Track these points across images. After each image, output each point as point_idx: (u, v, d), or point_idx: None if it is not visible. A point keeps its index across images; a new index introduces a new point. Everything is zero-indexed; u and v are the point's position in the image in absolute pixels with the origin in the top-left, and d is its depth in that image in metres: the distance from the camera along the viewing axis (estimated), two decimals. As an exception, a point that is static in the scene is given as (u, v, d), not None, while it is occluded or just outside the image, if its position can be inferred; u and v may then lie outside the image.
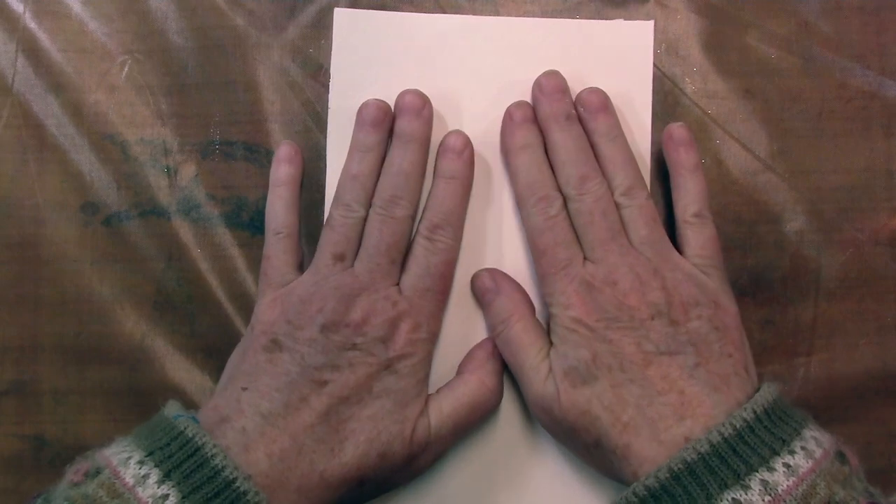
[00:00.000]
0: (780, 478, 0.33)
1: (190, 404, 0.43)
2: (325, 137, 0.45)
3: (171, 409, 0.38)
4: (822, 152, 0.45)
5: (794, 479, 0.33)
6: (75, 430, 0.45)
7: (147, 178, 0.45)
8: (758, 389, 0.37)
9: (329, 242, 0.41)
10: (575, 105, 0.43)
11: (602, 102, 0.42)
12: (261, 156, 0.45)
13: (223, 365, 0.42)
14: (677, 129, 0.43)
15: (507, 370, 0.43)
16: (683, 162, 0.42)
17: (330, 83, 0.45)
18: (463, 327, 0.44)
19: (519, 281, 0.43)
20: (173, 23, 0.46)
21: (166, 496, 0.33)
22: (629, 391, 0.37)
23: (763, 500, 0.32)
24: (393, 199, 0.41)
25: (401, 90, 0.43)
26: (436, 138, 0.44)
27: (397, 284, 0.41)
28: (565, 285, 0.40)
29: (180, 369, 0.45)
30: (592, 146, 0.42)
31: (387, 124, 0.43)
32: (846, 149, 0.45)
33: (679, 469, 0.34)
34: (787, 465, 0.33)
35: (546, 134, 0.42)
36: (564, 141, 0.42)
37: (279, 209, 0.42)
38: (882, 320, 0.45)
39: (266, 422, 0.37)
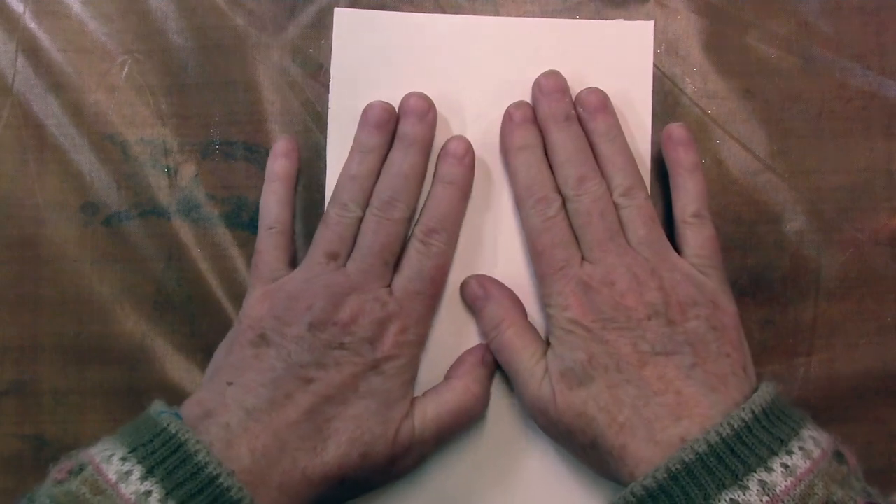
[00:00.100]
0: (778, 478, 0.33)
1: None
2: (325, 137, 0.45)
3: (156, 407, 0.37)
4: (822, 152, 0.45)
5: (792, 479, 0.33)
6: (75, 430, 0.45)
7: (147, 178, 0.45)
8: (756, 389, 0.37)
9: (323, 240, 0.41)
10: (574, 105, 0.43)
11: (601, 102, 0.42)
12: (261, 156, 0.45)
13: (223, 365, 0.42)
14: (676, 129, 0.43)
15: (502, 374, 0.43)
16: (682, 161, 0.42)
17: (330, 83, 0.45)
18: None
19: (514, 286, 0.43)
20: (173, 23, 0.46)
21: (149, 492, 0.33)
22: (625, 392, 0.37)
23: (761, 501, 0.32)
24: (391, 201, 0.41)
25: (401, 90, 0.43)
26: (436, 139, 0.44)
27: (389, 286, 0.41)
28: (563, 286, 0.40)
29: (180, 369, 0.45)
30: (592, 146, 0.42)
31: (390, 126, 0.43)
32: (846, 149, 0.45)
33: (677, 469, 0.34)
34: (785, 466, 0.33)
35: (545, 134, 0.42)
36: (563, 141, 0.42)
37: (273, 204, 0.43)
38: (882, 320, 0.45)
39: (250, 417, 0.37)
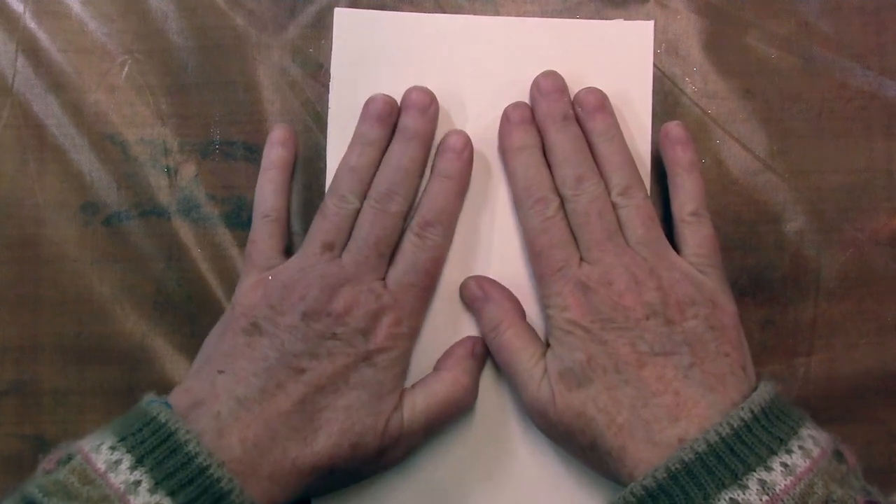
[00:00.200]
0: (777, 477, 0.33)
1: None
2: (325, 137, 0.45)
3: (147, 398, 0.37)
4: (822, 152, 0.45)
5: (791, 478, 0.33)
6: (75, 430, 0.44)
7: (147, 178, 0.45)
8: (755, 389, 0.37)
9: (320, 231, 0.41)
10: (573, 105, 0.43)
11: (600, 102, 0.42)
12: (260, 156, 0.45)
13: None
14: (674, 128, 0.43)
15: (496, 374, 0.43)
16: (680, 160, 0.42)
17: (330, 83, 0.45)
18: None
19: (513, 286, 0.43)
20: (173, 23, 0.46)
21: (139, 482, 0.33)
22: (624, 393, 0.37)
23: (761, 500, 0.32)
24: (388, 194, 0.41)
25: (401, 90, 0.43)
26: (435, 137, 0.44)
27: (383, 278, 0.41)
28: (561, 287, 0.40)
29: (180, 369, 0.45)
30: (590, 146, 0.42)
31: (391, 120, 0.43)
32: (846, 149, 0.45)
33: (676, 469, 0.34)
34: (784, 465, 0.33)
35: (544, 134, 0.42)
36: (561, 141, 0.42)
37: (268, 192, 0.43)
38: (882, 320, 0.45)
39: (241, 407, 0.37)
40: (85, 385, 0.45)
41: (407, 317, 0.41)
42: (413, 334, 0.42)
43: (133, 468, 0.33)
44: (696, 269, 0.40)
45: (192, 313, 0.45)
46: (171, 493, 0.33)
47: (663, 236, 0.41)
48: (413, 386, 0.41)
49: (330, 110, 0.45)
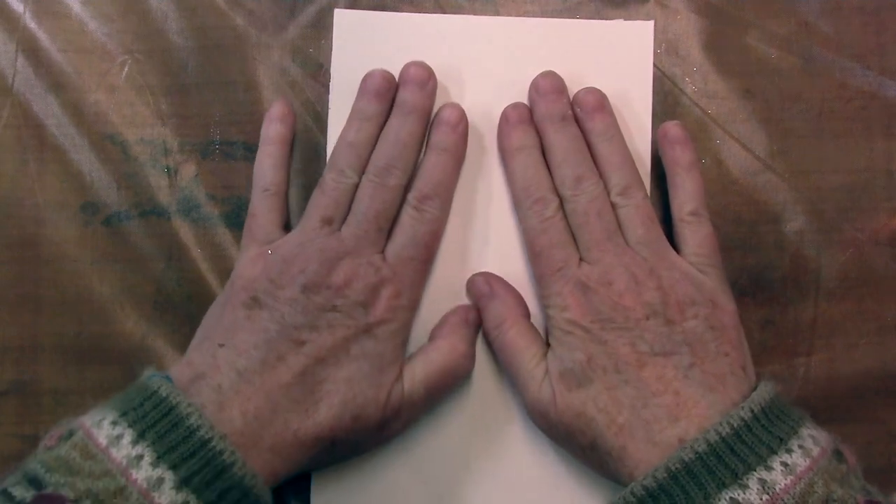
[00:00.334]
0: (777, 476, 0.33)
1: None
2: (325, 137, 0.45)
3: (147, 372, 0.37)
4: (822, 152, 0.45)
5: (791, 477, 0.33)
6: (75, 429, 0.45)
7: (147, 178, 0.45)
8: (755, 389, 0.37)
9: (319, 205, 0.41)
10: (572, 105, 0.43)
11: (598, 102, 0.42)
12: (261, 156, 0.45)
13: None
14: (672, 127, 0.42)
15: (496, 372, 0.43)
16: (679, 160, 0.42)
17: (330, 83, 0.45)
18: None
19: (515, 285, 0.43)
20: (173, 23, 0.46)
21: (140, 456, 0.33)
22: (624, 393, 0.37)
23: (761, 499, 0.32)
24: (387, 168, 0.41)
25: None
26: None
27: (382, 252, 0.41)
28: (561, 287, 0.40)
29: (180, 369, 0.45)
30: (589, 146, 0.42)
31: (389, 95, 0.43)
32: (846, 149, 0.45)
33: (677, 469, 0.34)
34: (784, 464, 0.33)
35: (542, 135, 0.42)
36: (560, 142, 0.42)
37: (268, 167, 0.43)
38: (882, 320, 0.45)
39: (242, 379, 0.37)
40: (85, 385, 0.45)
41: (406, 289, 0.41)
42: (413, 307, 0.42)
43: (135, 442, 0.33)
44: (696, 268, 0.40)
45: (192, 313, 0.45)
46: (174, 467, 0.33)
47: (663, 236, 0.41)
48: (410, 357, 0.41)
49: (330, 110, 0.45)
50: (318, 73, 0.46)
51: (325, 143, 0.45)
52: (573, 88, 0.43)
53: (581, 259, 0.40)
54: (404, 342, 0.41)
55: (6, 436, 0.45)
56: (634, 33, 0.45)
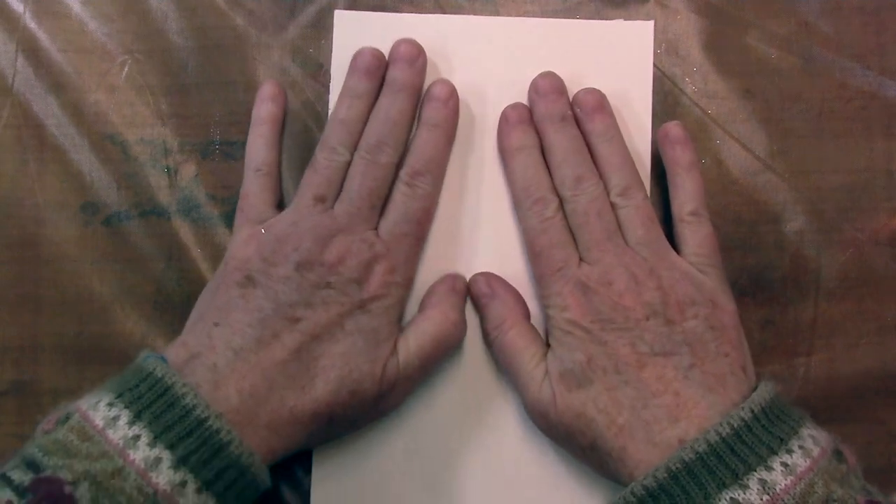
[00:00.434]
0: (778, 477, 0.33)
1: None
2: (325, 137, 0.45)
3: (142, 354, 0.38)
4: (822, 152, 0.45)
5: (792, 478, 0.33)
6: (75, 429, 0.44)
7: (147, 178, 0.45)
8: (755, 389, 0.37)
9: (311, 184, 0.41)
10: (572, 106, 0.43)
11: (598, 102, 0.42)
12: (261, 156, 0.45)
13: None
14: (673, 128, 0.42)
15: (496, 372, 0.43)
16: (679, 160, 0.42)
17: (330, 83, 0.45)
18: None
19: (515, 286, 0.43)
20: (173, 23, 0.46)
21: (137, 437, 0.33)
22: (624, 393, 0.37)
23: (761, 500, 0.32)
24: (378, 145, 0.41)
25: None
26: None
27: (375, 229, 0.41)
28: (561, 287, 0.40)
29: (180, 369, 0.45)
30: (589, 147, 0.42)
31: (380, 73, 0.43)
32: (846, 149, 0.45)
33: (677, 469, 0.34)
34: (784, 465, 0.33)
35: (542, 135, 0.42)
36: (560, 142, 0.42)
37: (260, 146, 0.43)
38: (882, 320, 0.45)
39: (237, 357, 0.37)
40: (85, 385, 0.44)
41: (400, 265, 0.41)
42: (407, 283, 0.42)
43: (131, 423, 0.33)
44: (696, 268, 0.40)
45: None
46: (171, 446, 0.33)
47: (663, 236, 0.41)
48: (402, 329, 0.41)
49: (330, 111, 0.45)
50: (318, 73, 0.46)
51: (325, 143, 0.45)
52: (573, 88, 0.43)
53: (581, 259, 0.40)
54: (399, 318, 0.41)
55: (6, 436, 0.45)
56: (634, 33, 0.45)
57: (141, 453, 0.33)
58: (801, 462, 0.33)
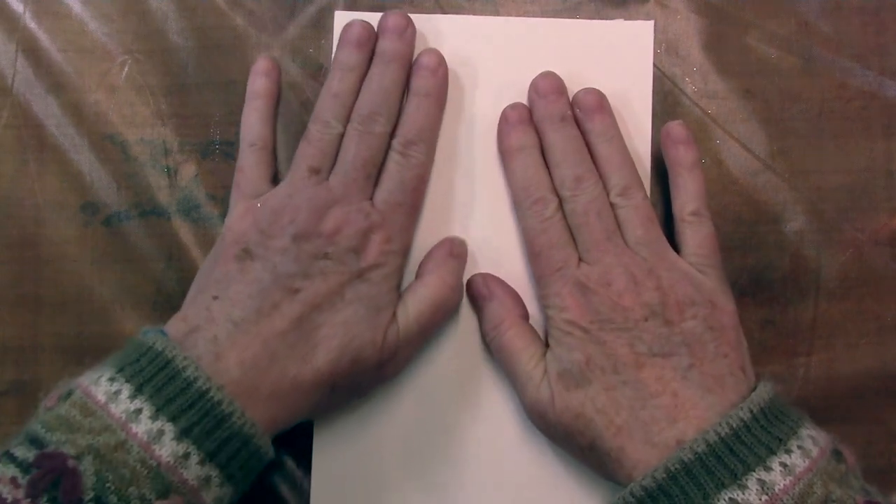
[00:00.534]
0: (776, 477, 0.33)
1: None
2: (325, 137, 0.45)
3: (143, 330, 0.38)
4: (822, 152, 0.45)
5: (790, 478, 0.33)
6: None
7: (147, 178, 0.45)
8: (754, 389, 0.37)
9: (305, 156, 0.41)
10: (572, 106, 0.43)
11: (598, 102, 0.42)
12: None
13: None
14: (675, 127, 0.42)
15: (496, 372, 0.43)
16: (681, 160, 0.42)
17: (330, 83, 0.45)
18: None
19: (514, 286, 0.43)
20: (173, 23, 0.46)
21: (139, 410, 0.33)
22: (622, 394, 0.37)
23: (760, 500, 0.32)
24: (371, 116, 0.41)
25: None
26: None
27: (370, 199, 0.41)
28: (560, 287, 0.40)
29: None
30: (589, 147, 0.42)
31: (370, 45, 0.43)
32: (846, 149, 0.45)
33: (676, 469, 0.34)
34: (783, 465, 0.33)
35: (542, 135, 0.42)
36: (559, 142, 0.42)
37: (254, 121, 0.43)
38: (882, 320, 0.45)
39: (238, 329, 0.37)
40: (85, 385, 0.45)
41: (397, 234, 0.41)
42: (404, 252, 0.42)
43: (133, 397, 0.34)
44: (696, 269, 0.40)
45: (192, 313, 0.45)
46: (173, 419, 0.33)
47: (662, 236, 0.41)
48: (401, 296, 0.41)
49: (330, 110, 0.45)
50: (318, 73, 0.46)
51: (325, 143, 0.45)
52: (573, 88, 0.43)
53: (580, 259, 0.40)
54: (398, 286, 0.41)
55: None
56: (634, 33, 0.45)
57: (143, 426, 0.33)
58: (799, 462, 0.33)
